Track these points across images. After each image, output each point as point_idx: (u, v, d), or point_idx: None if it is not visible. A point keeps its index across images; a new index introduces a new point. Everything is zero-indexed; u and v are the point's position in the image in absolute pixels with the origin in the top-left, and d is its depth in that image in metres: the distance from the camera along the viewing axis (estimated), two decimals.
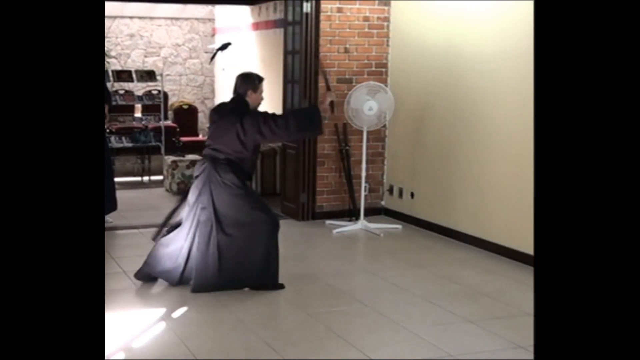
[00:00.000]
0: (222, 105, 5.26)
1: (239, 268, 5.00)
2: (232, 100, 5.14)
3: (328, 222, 7.25)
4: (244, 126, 4.93)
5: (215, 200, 4.97)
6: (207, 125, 5.94)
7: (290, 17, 7.54)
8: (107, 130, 9.30)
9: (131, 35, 11.72)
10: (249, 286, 5.06)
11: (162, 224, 5.31)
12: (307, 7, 7.19)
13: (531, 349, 4.02)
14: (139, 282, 5.24)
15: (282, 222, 7.40)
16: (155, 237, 5.28)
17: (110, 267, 5.57)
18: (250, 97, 5.07)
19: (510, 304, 4.87)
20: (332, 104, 5.33)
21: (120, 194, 7.44)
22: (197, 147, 10.67)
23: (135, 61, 11.70)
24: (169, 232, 5.24)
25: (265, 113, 5.07)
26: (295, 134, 5.16)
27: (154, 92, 10.46)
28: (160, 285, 5.21)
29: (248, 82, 5.09)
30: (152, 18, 11.79)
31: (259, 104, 5.18)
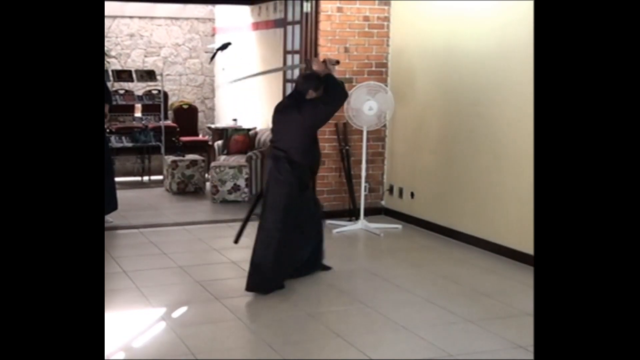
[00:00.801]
0: (281, 102, 5.46)
1: (285, 267, 5.14)
2: (290, 95, 5.36)
3: (328, 221, 7.23)
4: (302, 111, 5.11)
5: (269, 197, 5.11)
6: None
7: (290, 17, 7.54)
8: (107, 130, 9.31)
9: (131, 35, 11.71)
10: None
11: (242, 225, 5.37)
12: (307, 7, 7.19)
13: (531, 349, 4.02)
14: (139, 282, 5.25)
15: None
16: (237, 240, 5.34)
17: (110, 267, 5.57)
18: (310, 96, 5.22)
19: (510, 304, 4.87)
20: (326, 62, 5.50)
21: (120, 194, 7.44)
22: (197, 147, 10.69)
23: (135, 61, 11.70)
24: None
25: (324, 105, 5.22)
26: (340, 100, 5.36)
27: (154, 91, 10.46)
28: (160, 285, 5.22)
29: (310, 82, 5.27)
30: (152, 18, 11.78)
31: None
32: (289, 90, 7.65)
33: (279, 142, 5.19)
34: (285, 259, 5.11)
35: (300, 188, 5.15)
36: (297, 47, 7.37)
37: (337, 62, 5.72)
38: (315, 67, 5.45)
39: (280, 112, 5.32)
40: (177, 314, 4.61)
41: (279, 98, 8.21)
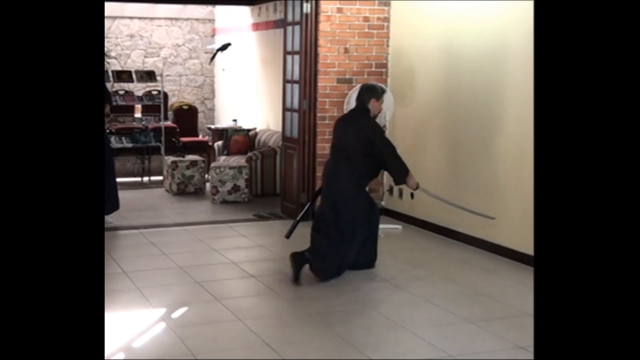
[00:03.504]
0: (345, 114, 5.79)
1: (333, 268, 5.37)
2: (355, 108, 5.61)
3: None
4: (363, 125, 5.38)
5: (323, 198, 5.45)
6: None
7: (290, 18, 7.54)
8: (107, 131, 9.30)
9: (131, 36, 11.71)
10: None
11: (295, 222, 5.70)
12: (307, 8, 7.19)
13: (531, 349, 4.02)
14: (139, 283, 5.25)
15: (281, 223, 7.45)
16: (289, 235, 5.74)
17: (110, 268, 5.57)
18: (372, 105, 5.48)
19: (510, 304, 4.87)
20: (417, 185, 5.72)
21: (121, 195, 7.44)
22: (197, 148, 10.68)
23: (135, 61, 11.70)
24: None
25: (385, 138, 5.57)
26: (390, 167, 5.53)
27: (154, 92, 10.46)
28: (160, 286, 5.22)
29: (372, 92, 5.51)
30: (152, 18, 11.78)
31: (379, 112, 5.69)
32: (288, 91, 7.66)
33: (341, 144, 5.45)
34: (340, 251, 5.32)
35: (358, 186, 5.41)
36: (297, 47, 7.37)
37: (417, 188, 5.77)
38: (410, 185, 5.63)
39: (343, 120, 5.62)
40: (177, 314, 4.61)
41: (278, 99, 8.23)
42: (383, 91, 5.62)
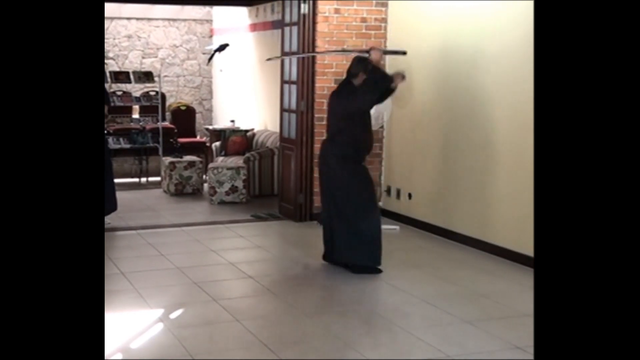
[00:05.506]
0: (337, 88, 5.84)
1: (335, 245, 5.61)
2: (342, 81, 5.75)
3: None
4: (348, 96, 5.52)
5: (323, 178, 5.68)
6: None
7: (287, 18, 7.55)
8: (105, 132, 9.30)
9: (129, 37, 11.71)
10: (344, 262, 5.61)
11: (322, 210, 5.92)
12: (304, 8, 7.19)
13: (528, 349, 4.03)
14: (136, 284, 5.25)
15: (279, 223, 7.45)
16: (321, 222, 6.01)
17: (108, 269, 5.56)
18: (359, 78, 5.55)
19: (507, 304, 4.88)
20: (402, 78, 5.68)
21: (118, 195, 7.44)
22: (194, 148, 10.68)
23: (132, 62, 11.69)
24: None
25: (369, 90, 5.51)
26: (378, 87, 5.53)
27: (152, 93, 10.46)
28: (158, 287, 5.22)
29: (362, 64, 5.58)
30: (149, 19, 11.78)
31: (362, 81, 5.66)
32: (286, 91, 7.66)
33: (333, 125, 5.63)
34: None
35: (352, 167, 5.61)
36: (294, 48, 7.37)
37: (403, 78, 5.73)
38: (373, 56, 5.66)
39: (332, 97, 5.70)
40: (174, 315, 4.61)
41: (276, 99, 8.23)
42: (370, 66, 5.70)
